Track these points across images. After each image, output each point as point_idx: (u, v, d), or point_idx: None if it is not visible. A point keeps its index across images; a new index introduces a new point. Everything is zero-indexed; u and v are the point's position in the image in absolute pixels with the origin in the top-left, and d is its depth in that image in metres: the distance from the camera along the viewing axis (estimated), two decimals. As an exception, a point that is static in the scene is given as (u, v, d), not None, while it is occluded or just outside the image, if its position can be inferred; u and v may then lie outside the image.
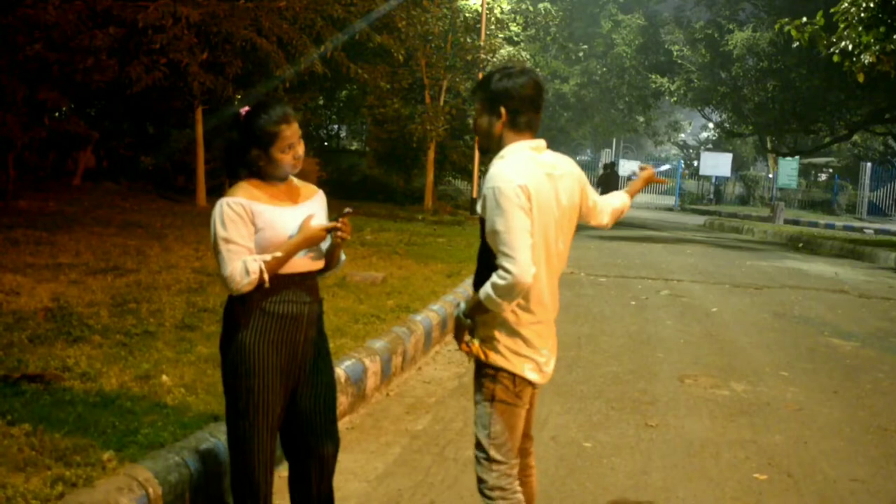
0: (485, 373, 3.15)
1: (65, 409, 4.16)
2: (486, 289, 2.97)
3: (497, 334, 3.11)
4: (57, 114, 16.12)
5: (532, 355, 3.14)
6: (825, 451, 5.42)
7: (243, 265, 3.15)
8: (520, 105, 3.12)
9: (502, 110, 3.12)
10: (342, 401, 5.26)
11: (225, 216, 3.19)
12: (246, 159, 3.28)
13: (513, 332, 3.10)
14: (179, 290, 7.51)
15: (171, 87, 16.23)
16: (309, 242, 3.26)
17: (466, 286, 9.47)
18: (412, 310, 7.73)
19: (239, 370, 3.24)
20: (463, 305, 3.17)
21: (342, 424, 5.34)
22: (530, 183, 3.01)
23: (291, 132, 3.24)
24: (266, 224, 3.21)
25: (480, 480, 3.17)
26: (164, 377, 4.92)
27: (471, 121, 24.20)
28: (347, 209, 3.34)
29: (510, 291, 2.93)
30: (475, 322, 3.14)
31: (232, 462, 3.34)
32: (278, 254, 3.21)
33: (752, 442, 5.53)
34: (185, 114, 17.73)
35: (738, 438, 5.58)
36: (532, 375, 3.16)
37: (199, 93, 16.15)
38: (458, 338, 3.20)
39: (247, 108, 3.27)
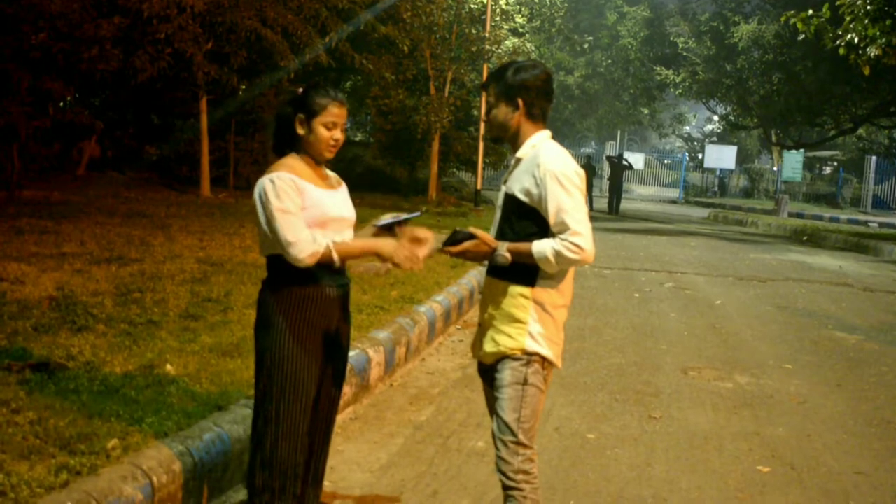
0: (516, 357, 3.22)
1: (69, 398, 4.16)
2: (546, 252, 3.08)
3: (532, 319, 3.20)
4: (61, 103, 16.14)
5: (557, 341, 3.27)
6: (828, 444, 5.42)
7: (311, 235, 3.17)
8: (535, 96, 3.27)
9: (520, 101, 3.26)
10: (346, 391, 5.26)
11: (278, 189, 3.18)
12: (291, 129, 3.32)
13: (546, 317, 3.21)
14: (184, 279, 7.52)
15: (175, 78, 16.25)
16: (382, 253, 3.25)
17: (470, 277, 9.47)
18: (416, 301, 7.73)
19: (278, 355, 3.26)
20: (503, 251, 3.18)
21: (346, 415, 5.36)
22: (579, 170, 3.21)
23: (338, 112, 3.31)
24: (313, 203, 3.23)
25: (505, 463, 3.21)
26: (169, 367, 4.93)
27: (476, 112, 24.20)
28: (416, 213, 3.49)
29: (572, 263, 3.12)
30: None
31: (260, 446, 3.30)
32: (348, 241, 3.29)
33: (756, 434, 5.53)
34: (190, 104, 17.73)
35: (741, 431, 5.59)
36: (558, 361, 3.28)
37: (203, 83, 16.15)
38: (477, 259, 3.28)
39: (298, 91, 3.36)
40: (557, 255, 3.06)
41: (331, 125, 3.29)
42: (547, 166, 3.13)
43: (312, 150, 3.32)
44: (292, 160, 3.32)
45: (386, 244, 3.26)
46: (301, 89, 3.35)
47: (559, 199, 3.09)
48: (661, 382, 6.67)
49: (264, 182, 3.22)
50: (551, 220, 3.11)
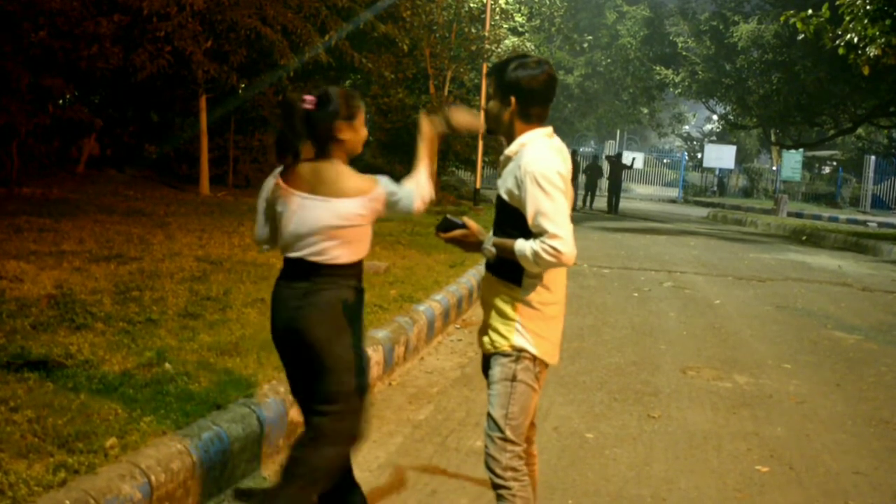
0: (506, 354, 3.22)
1: (67, 397, 4.16)
2: (526, 252, 3.06)
3: (521, 317, 3.20)
4: (61, 101, 16.10)
5: (551, 338, 3.24)
6: (827, 444, 5.42)
7: (411, 189, 3.40)
8: (529, 97, 3.20)
9: (512, 100, 3.20)
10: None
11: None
12: (331, 134, 3.36)
13: (535, 314, 3.19)
14: (182, 278, 7.51)
15: (175, 76, 16.22)
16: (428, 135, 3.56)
17: (470, 276, 9.46)
18: (415, 300, 7.73)
19: (355, 352, 3.43)
20: (489, 244, 3.22)
21: (344, 413, 5.35)
22: (563, 170, 3.13)
23: (364, 111, 3.47)
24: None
25: (493, 460, 3.19)
26: (167, 365, 4.92)
27: (475, 111, 24.18)
28: None
29: (550, 265, 3.07)
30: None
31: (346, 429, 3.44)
32: (425, 163, 3.51)
33: (755, 434, 5.53)
34: (190, 102, 17.71)
35: (740, 430, 5.58)
36: (550, 359, 3.25)
37: (203, 81, 16.14)
38: (466, 249, 3.36)
39: (312, 98, 3.35)
40: (536, 255, 3.03)
41: (364, 123, 3.46)
42: (527, 167, 3.09)
43: (353, 149, 3.44)
44: (342, 166, 3.39)
45: (425, 129, 3.55)
46: (312, 105, 3.34)
47: (537, 201, 3.05)
48: (660, 382, 6.66)
49: (364, 199, 3.33)
50: (529, 221, 3.08)
